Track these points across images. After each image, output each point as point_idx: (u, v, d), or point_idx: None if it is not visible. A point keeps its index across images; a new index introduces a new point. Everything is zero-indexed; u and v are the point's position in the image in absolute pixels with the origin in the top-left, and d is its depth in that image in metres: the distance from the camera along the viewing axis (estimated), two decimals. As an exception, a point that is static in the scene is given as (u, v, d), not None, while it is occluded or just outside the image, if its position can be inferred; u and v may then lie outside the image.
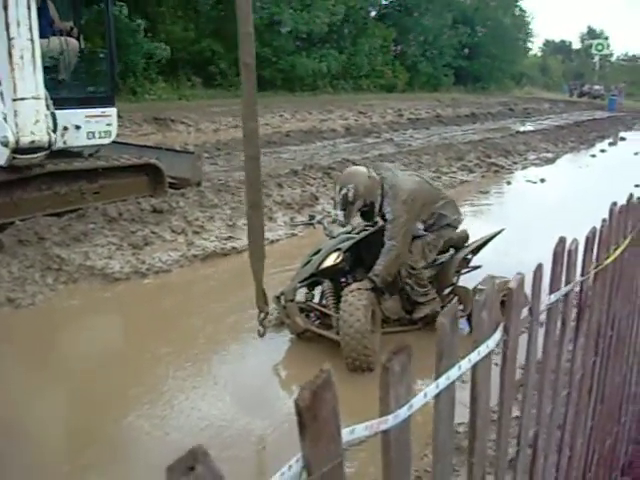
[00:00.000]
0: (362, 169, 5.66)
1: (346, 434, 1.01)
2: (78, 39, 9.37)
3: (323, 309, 5.73)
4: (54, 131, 8.22)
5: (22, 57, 7.51)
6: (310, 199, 10.52)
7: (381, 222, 5.66)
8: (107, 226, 8.24)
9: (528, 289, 1.71)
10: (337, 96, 31.86)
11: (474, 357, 1.35)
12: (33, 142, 7.90)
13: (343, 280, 5.84)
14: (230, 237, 8.73)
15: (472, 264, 6.36)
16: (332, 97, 30.87)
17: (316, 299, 5.91)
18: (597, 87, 52.94)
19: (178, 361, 5.50)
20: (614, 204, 2.34)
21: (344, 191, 5.38)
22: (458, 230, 6.07)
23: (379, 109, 26.52)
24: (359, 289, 5.23)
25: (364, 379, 5.03)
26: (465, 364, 1.31)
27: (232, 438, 4.37)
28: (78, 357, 5.62)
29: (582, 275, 2.04)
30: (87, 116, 9.07)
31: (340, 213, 5.44)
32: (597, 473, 3.05)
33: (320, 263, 5.60)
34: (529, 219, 10.25)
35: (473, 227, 8.37)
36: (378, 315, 5.51)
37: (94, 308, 6.70)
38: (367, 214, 5.65)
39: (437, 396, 1.24)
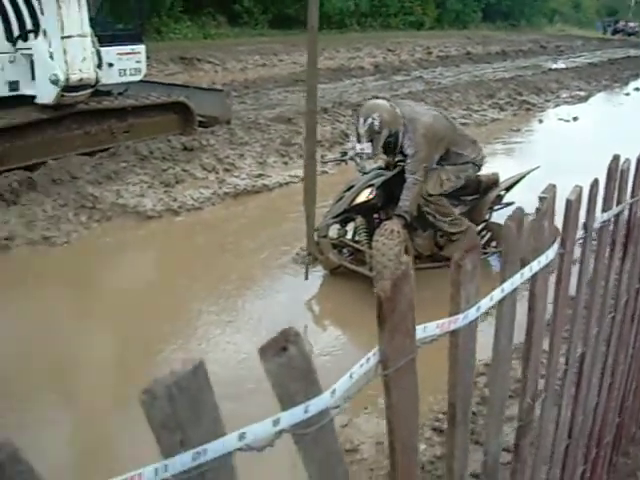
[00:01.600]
0: (384, 101, 5.57)
1: (419, 331, 1.03)
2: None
3: (356, 245, 5.74)
4: (99, 68, 8.24)
5: None
6: (340, 136, 10.45)
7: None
8: (138, 164, 8.26)
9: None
10: (365, 34, 31.23)
11: (535, 266, 1.36)
12: (81, 80, 7.95)
13: (376, 216, 5.83)
14: (261, 174, 8.72)
15: (505, 201, 6.31)
16: (360, 35, 30.28)
17: (349, 235, 5.91)
18: (632, 24, 51.20)
19: (212, 297, 5.57)
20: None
21: (370, 121, 5.29)
22: (488, 173, 6.03)
23: (407, 47, 26.00)
24: (392, 228, 5.22)
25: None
26: (527, 272, 1.32)
27: (267, 372, 4.42)
28: (113, 293, 5.69)
29: (632, 196, 2.02)
30: (118, 53, 9.03)
31: (367, 145, 5.33)
32: (634, 403, 3.08)
33: (353, 199, 5.58)
34: (561, 157, 10.07)
35: (505, 165, 8.31)
36: (410, 251, 5.51)
37: (128, 245, 6.77)
38: (389, 148, 5.52)
39: (501, 301, 1.25)
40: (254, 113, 12.02)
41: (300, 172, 8.87)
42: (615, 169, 1.80)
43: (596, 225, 1.76)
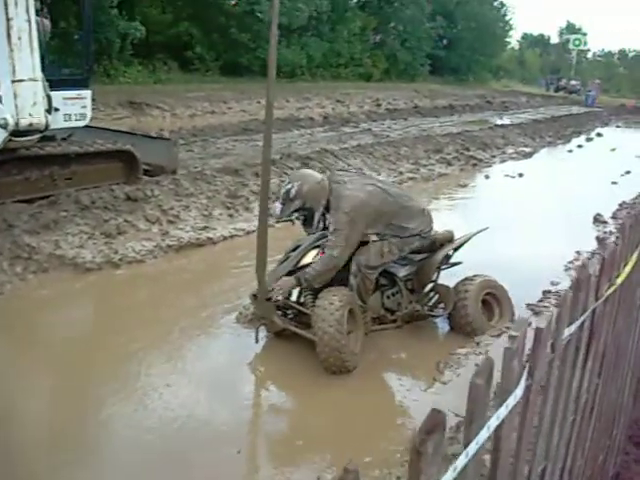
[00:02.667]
0: (315, 175, 5.71)
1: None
2: (49, 19, 9.13)
3: (300, 308, 5.59)
4: (49, 112, 8.05)
5: (20, 38, 7.42)
6: (287, 190, 10.36)
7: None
8: (79, 214, 7.99)
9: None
10: (315, 84, 31.51)
11: (502, 412, 1.20)
12: (31, 124, 7.79)
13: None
14: (206, 227, 8.54)
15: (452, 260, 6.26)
16: (310, 85, 30.50)
17: (294, 297, 5.76)
18: (574, 82, 53.02)
19: (151, 357, 5.35)
20: (628, 215, 2.21)
21: (288, 186, 5.46)
22: (442, 230, 5.99)
23: (357, 98, 26.33)
24: (334, 293, 5.17)
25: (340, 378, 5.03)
26: (494, 422, 1.16)
27: (207, 440, 4.24)
28: (46, 350, 5.44)
29: (596, 298, 1.91)
30: (64, 98, 8.84)
31: (278, 206, 5.53)
32: (588, 489, 2.95)
33: (299, 260, 5.52)
34: (508, 214, 10.20)
35: (451, 221, 8.31)
36: (357, 314, 5.38)
37: (65, 299, 6.51)
38: (307, 220, 5.64)
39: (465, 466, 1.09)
40: (201, 162, 11.88)
41: (245, 225, 8.81)
42: (585, 279, 1.68)
43: (563, 341, 1.63)
